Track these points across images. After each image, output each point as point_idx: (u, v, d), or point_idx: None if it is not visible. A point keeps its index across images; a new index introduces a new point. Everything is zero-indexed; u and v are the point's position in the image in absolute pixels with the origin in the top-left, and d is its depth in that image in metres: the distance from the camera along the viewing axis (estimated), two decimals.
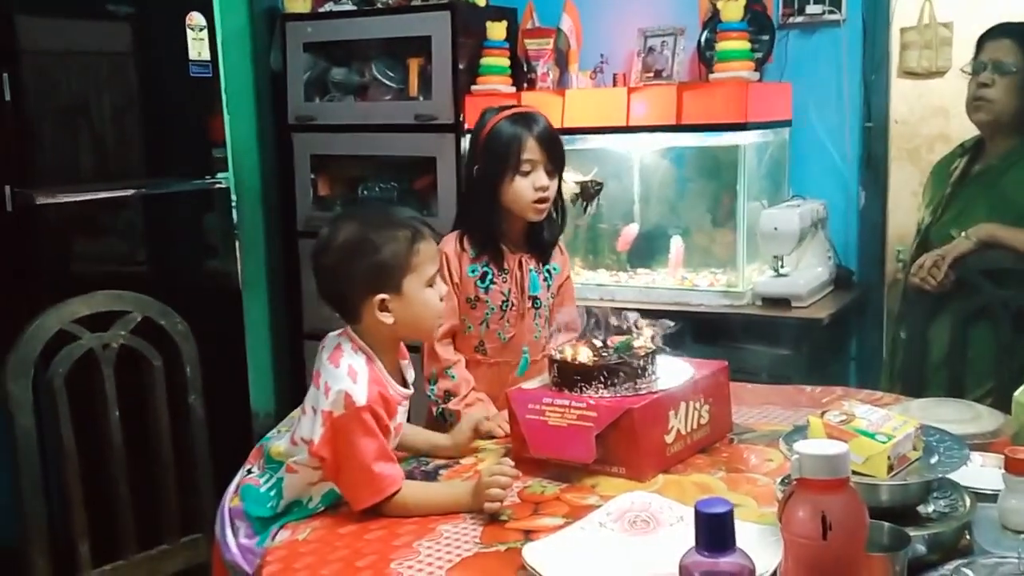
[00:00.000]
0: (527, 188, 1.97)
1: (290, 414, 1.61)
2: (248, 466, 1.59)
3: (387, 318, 1.53)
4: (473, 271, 2.01)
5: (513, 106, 2.08)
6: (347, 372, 1.49)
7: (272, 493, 1.53)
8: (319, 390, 1.50)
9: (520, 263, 2.05)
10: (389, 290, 1.53)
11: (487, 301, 2.02)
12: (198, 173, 3.04)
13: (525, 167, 1.96)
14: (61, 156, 2.78)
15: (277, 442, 1.58)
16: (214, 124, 3.10)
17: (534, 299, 2.07)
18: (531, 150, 1.96)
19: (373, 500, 1.48)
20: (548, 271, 2.10)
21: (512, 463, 1.52)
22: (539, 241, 2.07)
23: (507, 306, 2.04)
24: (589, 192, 3.10)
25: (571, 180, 3.10)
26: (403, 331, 1.58)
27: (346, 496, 1.52)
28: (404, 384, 1.61)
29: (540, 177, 1.97)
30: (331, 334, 1.59)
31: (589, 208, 3.14)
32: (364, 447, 1.46)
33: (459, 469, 1.69)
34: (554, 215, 2.07)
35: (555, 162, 1.99)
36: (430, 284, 1.57)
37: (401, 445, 1.70)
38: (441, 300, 1.61)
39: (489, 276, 2.02)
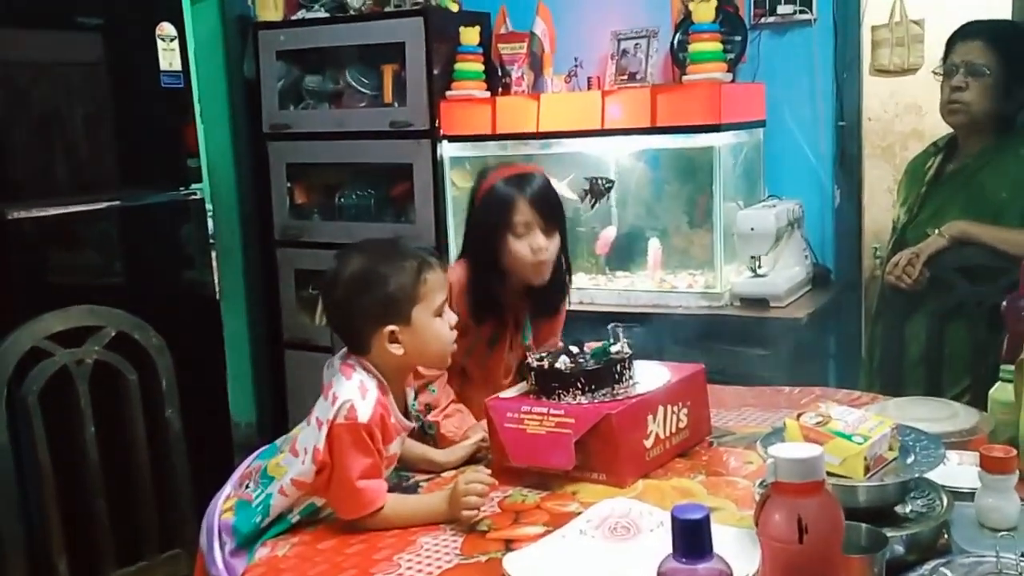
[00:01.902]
0: (524, 250, 1.93)
1: (288, 433, 1.60)
2: (245, 481, 1.59)
3: (397, 349, 1.54)
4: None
5: (511, 165, 2.05)
6: (357, 386, 1.51)
7: (259, 509, 1.53)
8: (327, 401, 1.51)
9: (517, 313, 2.03)
10: (399, 321, 1.53)
11: (476, 334, 1.99)
12: (173, 184, 3.02)
13: (519, 229, 1.93)
14: (33, 169, 2.75)
15: (276, 456, 1.57)
16: (188, 134, 3.08)
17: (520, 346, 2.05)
18: (523, 212, 1.93)
19: (355, 515, 1.49)
20: (534, 322, 2.08)
21: (488, 471, 1.52)
22: (544, 302, 2.04)
23: (495, 341, 2.02)
24: (598, 189, 3.09)
25: (581, 177, 3.10)
26: (414, 361, 1.60)
27: (331, 506, 1.53)
28: (407, 414, 1.62)
29: (536, 238, 1.93)
30: (343, 352, 1.59)
31: (597, 205, 3.13)
32: (354, 462, 1.47)
33: (439, 482, 1.68)
34: (562, 271, 2.03)
35: (551, 222, 1.95)
36: (438, 313, 1.58)
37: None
38: (451, 328, 1.61)
39: (483, 317, 1.99)
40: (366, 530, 1.48)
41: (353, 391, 1.50)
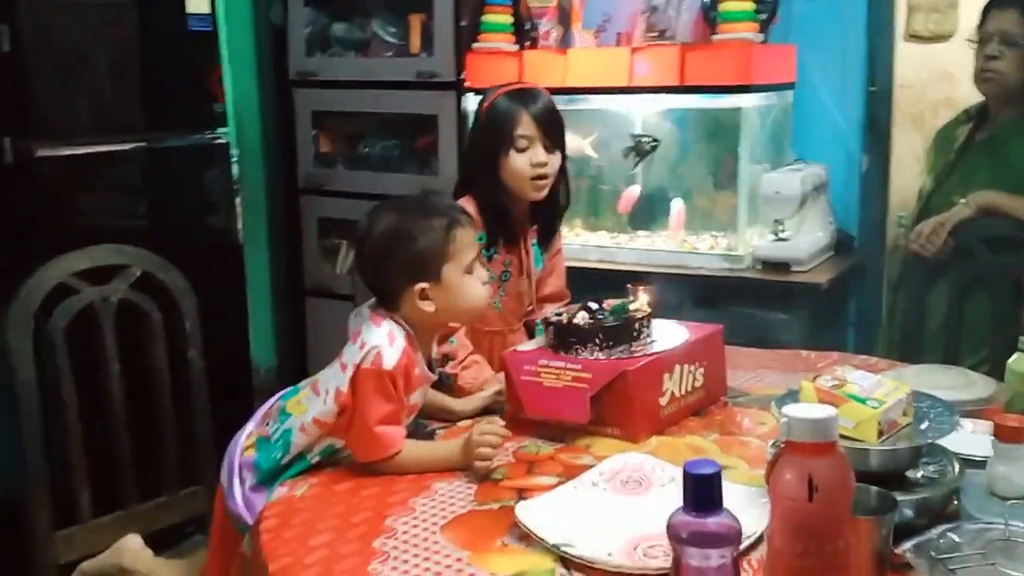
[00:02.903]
0: (524, 164, 1.95)
1: (311, 376, 1.63)
2: (266, 420, 1.62)
3: (428, 306, 1.56)
4: (480, 238, 1.97)
5: (516, 83, 2.07)
6: (387, 333, 1.53)
7: (279, 444, 1.56)
8: (355, 345, 1.53)
9: (524, 236, 2.05)
10: (429, 279, 1.55)
11: (488, 269, 2.01)
12: (198, 128, 3.04)
13: (521, 143, 1.94)
14: (61, 108, 2.78)
15: (296, 395, 1.60)
16: (214, 79, 3.09)
17: (533, 275, 2.07)
18: (525, 126, 1.95)
19: (370, 458, 1.52)
20: (546, 251, 2.11)
21: (503, 423, 1.54)
22: (544, 218, 2.07)
23: (506, 276, 2.04)
24: (643, 148, 3.07)
25: (626, 134, 3.09)
26: (445, 318, 1.62)
27: (348, 447, 1.55)
28: (431, 367, 1.64)
29: (537, 153, 1.95)
30: (372, 302, 1.61)
31: (640, 165, 3.12)
32: (375, 406, 1.50)
33: (455, 431, 1.70)
34: (559, 194, 2.05)
35: (552, 138, 1.97)
36: (469, 271, 1.59)
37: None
38: (483, 284, 1.62)
39: (494, 246, 2.01)
40: (382, 474, 1.51)
41: (382, 337, 1.52)
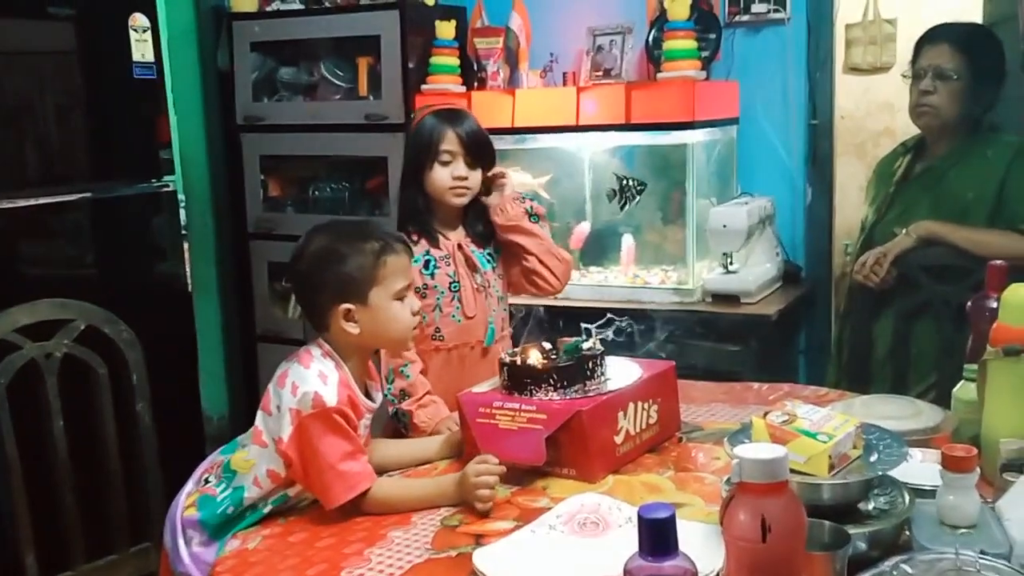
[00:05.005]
0: (446, 176, 2.07)
1: (248, 431, 1.60)
2: (205, 475, 1.59)
3: (352, 328, 1.55)
4: (416, 261, 2.04)
5: (444, 104, 2.21)
6: (317, 375, 1.52)
7: (226, 500, 1.54)
8: (285, 389, 1.51)
9: (460, 245, 2.13)
10: (354, 301, 1.55)
11: (436, 286, 2.09)
12: (145, 176, 3.00)
13: (444, 157, 2.06)
14: (3, 160, 2.73)
15: (239, 451, 1.57)
16: (160, 126, 3.06)
17: (484, 277, 2.13)
18: (450, 142, 2.07)
19: (345, 497, 1.48)
20: (491, 254, 2.16)
21: (496, 460, 1.53)
22: (473, 227, 2.16)
23: (456, 287, 2.09)
24: (630, 192, 3.09)
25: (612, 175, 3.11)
26: (369, 341, 1.61)
27: (317, 496, 1.52)
28: (369, 398, 1.62)
29: (459, 167, 2.07)
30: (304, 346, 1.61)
31: (627, 207, 3.15)
32: (333, 445, 1.48)
33: (418, 472, 1.69)
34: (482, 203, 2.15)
35: (474, 156, 2.08)
36: (399, 297, 1.59)
37: (393, 464, 1.70)
38: (414, 314, 1.62)
39: (432, 262, 2.08)
40: (366, 514, 1.49)
41: (314, 380, 1.51)
